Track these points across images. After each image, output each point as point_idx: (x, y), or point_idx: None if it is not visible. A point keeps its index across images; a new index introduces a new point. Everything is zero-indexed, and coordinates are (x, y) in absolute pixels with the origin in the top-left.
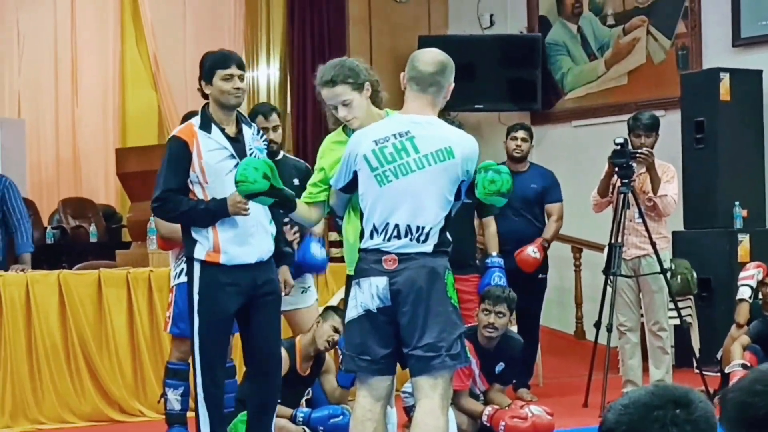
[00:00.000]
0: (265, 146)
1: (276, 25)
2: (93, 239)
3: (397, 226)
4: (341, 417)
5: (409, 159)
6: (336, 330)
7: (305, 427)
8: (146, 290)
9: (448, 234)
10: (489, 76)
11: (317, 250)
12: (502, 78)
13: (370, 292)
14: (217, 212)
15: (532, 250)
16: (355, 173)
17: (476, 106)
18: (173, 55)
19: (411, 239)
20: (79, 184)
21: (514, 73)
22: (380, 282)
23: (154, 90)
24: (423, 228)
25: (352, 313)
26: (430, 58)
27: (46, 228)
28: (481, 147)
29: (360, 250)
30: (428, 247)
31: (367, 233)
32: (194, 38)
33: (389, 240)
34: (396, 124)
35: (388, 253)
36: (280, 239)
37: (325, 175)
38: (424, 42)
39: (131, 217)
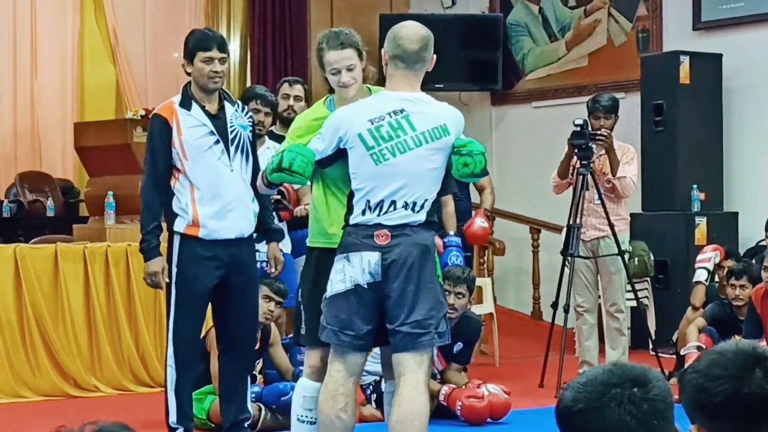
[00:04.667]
0: (250, 123)
1: (237, 1)
2: (50, 213)
3: (393, 202)
4: (290, 394)
5: (406, 137)
6: (269, 299)
7: (259, 404)
8: (103, 265)
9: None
10: (450, 56)
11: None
12: (463, 58)
13: (362, 267)
14: (144, 252)
15: (480, 221)
16: (339, 149)
17: (437, 86)
18: (132, 29)
19: (406, 210)
20: (36, 158)
21: (475, 54)
22: (372, 257)
23: (113, 64)
24: (416, 202)
25: (338, 287)
26: (413, 34)
27: (2, 201)
28: None
29: (348, 225)
30: (421, 216)
31: (357, 210)
32: (154, 12)
33: (384, 214)
34: (387, 102)
35: (381, 227)
36: (269, 216)
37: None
38: (386, 21)
39: (89, 191)
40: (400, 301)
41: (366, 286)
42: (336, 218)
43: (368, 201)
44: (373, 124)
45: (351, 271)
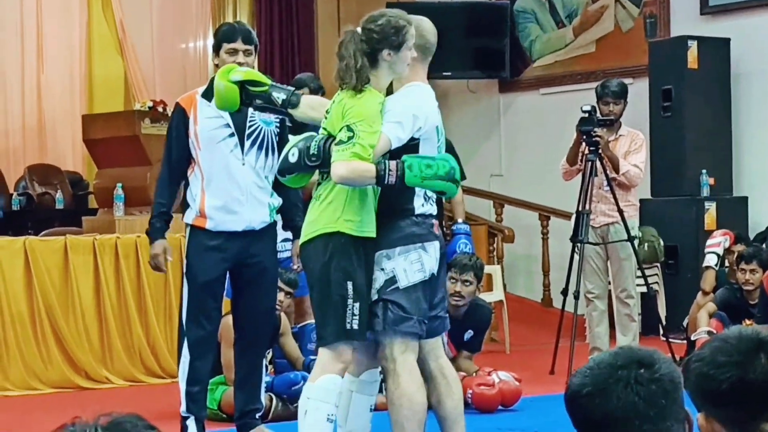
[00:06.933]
0: (278, 119)
1: None
2: (59, 206)
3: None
4: (301, 383)
5: (442, 129)
6: (279, 289)
7: (270, 394)
8: (113, 257)
9: None
10: (457, 43)
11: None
12: (470, 45)
13: (435, 257)
14: (148, 235)
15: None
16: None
17: (444, 74)
18: (140, 22)
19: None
20: (45, 150)
21: (483, 41)
22: (438, 246)
23: (121, 56)
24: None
25: (417, 276)
26: (433, 28)
27: (12, 195)
28: (449, 115)
29: (415, 215)
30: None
31: (418, 200)
32: (161, 4)
33: (432, 206)
34: (432, 94)
35: (433, 216)
36: (297, 213)
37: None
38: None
39: (98, 183)
40: (442, 288)
41: (435, 275)
42: (359, 205)
43: (425, 192)
44: (438, 115)
45: (429, 262)
